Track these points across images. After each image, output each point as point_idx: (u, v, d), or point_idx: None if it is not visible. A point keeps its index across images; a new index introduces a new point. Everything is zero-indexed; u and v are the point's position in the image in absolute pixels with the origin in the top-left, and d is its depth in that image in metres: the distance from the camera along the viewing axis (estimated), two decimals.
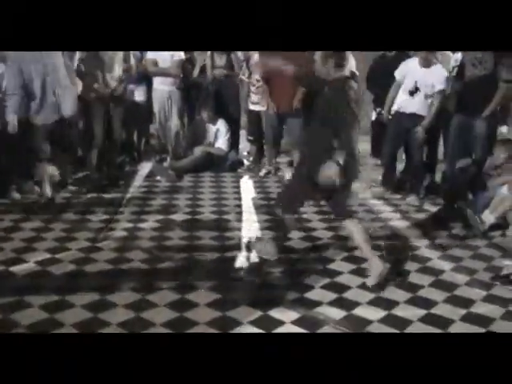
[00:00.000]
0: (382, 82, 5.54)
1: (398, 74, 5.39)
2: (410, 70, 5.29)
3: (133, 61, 5.96)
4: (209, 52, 6.51)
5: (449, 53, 5.71)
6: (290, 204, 3.76)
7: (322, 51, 3.40)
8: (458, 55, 5.50)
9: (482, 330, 3.03)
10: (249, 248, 4.08)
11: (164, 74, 6.40)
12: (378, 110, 5.87)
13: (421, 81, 5.20)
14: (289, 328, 3.02)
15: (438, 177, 5.89)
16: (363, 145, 6.21)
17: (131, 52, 5.86)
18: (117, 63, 5.69)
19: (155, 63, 6.40)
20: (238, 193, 5.62)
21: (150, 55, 6.40)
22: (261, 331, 2.96)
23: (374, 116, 6.16)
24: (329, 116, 3.35)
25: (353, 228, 3.59)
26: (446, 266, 3.91)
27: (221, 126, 6.48)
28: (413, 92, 5.24)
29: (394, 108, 5.44)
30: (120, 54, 5.70)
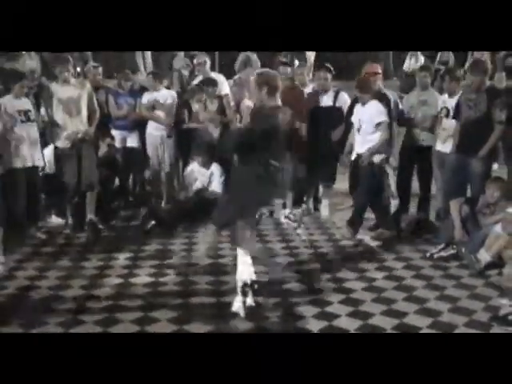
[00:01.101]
0: None
1: (353, 118, 5.62)
2: (357, 111, 5.55)
3: (95, 104, 5.63)
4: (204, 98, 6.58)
5: (436, 94, 5.84)
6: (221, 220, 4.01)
7: (257, 77, 3.55)
8: (445, 97, 5.62)
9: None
10: (245, 292, 4.04)
11: (157, 121, 6.48)
12: None
13: (362, 118, 5.43)
14: None
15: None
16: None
17: (94, 96, 5.64)
18: (83, 104, 5.40)
19: (150, 108, 6.48)
20: None
21: (145, 100, 6.49)
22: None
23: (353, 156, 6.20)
24: (260, 145, 3.50)
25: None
26: (444, 306, 3.90)
27: (215, 169, 6.51)
28: (359, 129, 5.48)
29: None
30: (85, 96, 5.41)
